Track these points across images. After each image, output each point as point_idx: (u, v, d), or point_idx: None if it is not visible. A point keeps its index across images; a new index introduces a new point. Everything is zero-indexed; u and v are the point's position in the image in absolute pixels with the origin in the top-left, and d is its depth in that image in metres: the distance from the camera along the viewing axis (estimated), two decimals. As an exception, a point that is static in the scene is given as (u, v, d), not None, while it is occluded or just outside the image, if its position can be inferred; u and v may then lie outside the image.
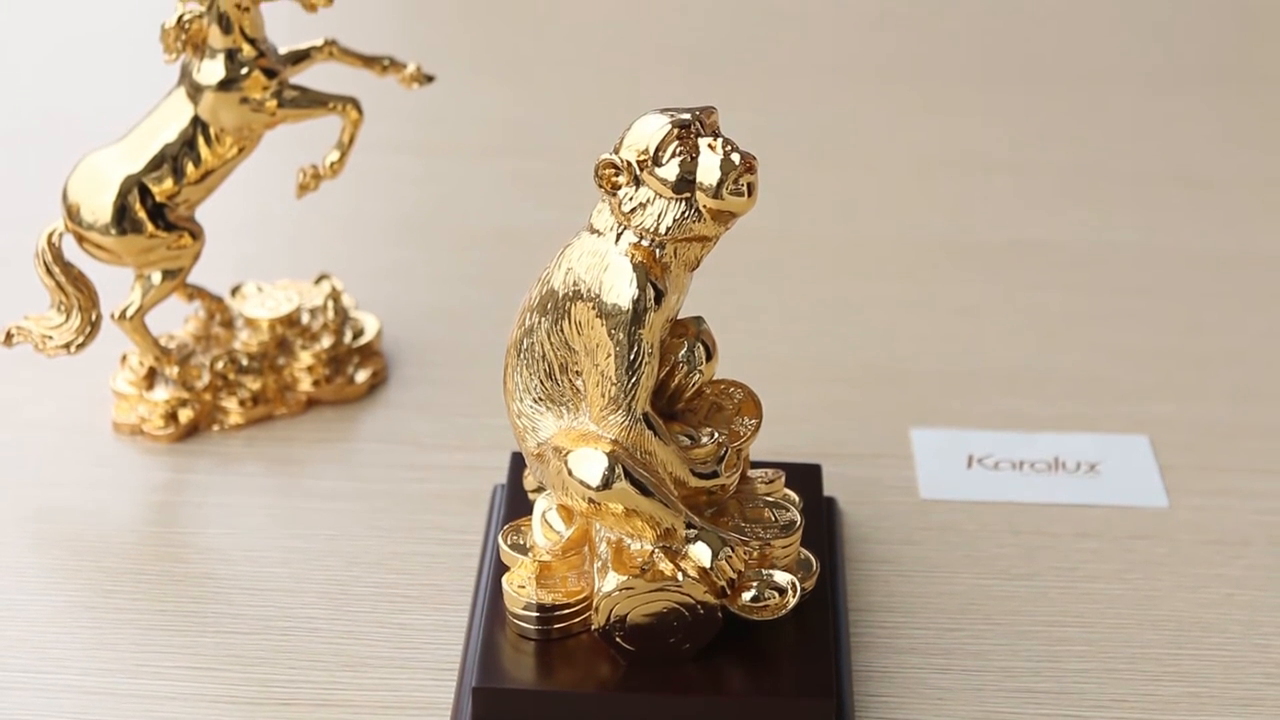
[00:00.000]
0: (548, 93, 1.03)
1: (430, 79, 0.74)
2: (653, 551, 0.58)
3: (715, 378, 0.61)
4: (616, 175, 0.56)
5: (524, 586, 0.60)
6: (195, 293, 0.76)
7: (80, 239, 0.72)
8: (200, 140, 0.71)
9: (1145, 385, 0.78)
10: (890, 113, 1.02)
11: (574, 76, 1.06)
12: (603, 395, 0.58)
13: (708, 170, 0.56)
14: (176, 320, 0.77)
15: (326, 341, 0.76)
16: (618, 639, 0.59)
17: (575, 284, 0.57)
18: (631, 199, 0.57)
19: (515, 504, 0.64)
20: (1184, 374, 0.78)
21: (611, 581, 0.58)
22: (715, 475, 0.59)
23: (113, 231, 0.71)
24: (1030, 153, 0.97)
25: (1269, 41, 1.14)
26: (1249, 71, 1.08)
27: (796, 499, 0.62)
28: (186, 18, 0.70)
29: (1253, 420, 0.75)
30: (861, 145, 0.98)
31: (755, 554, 0.59)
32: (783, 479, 0.62)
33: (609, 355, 0.57)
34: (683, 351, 0.60)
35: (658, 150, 0.56)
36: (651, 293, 0.57)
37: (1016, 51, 1.10)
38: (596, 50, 1.09)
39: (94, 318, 0.72)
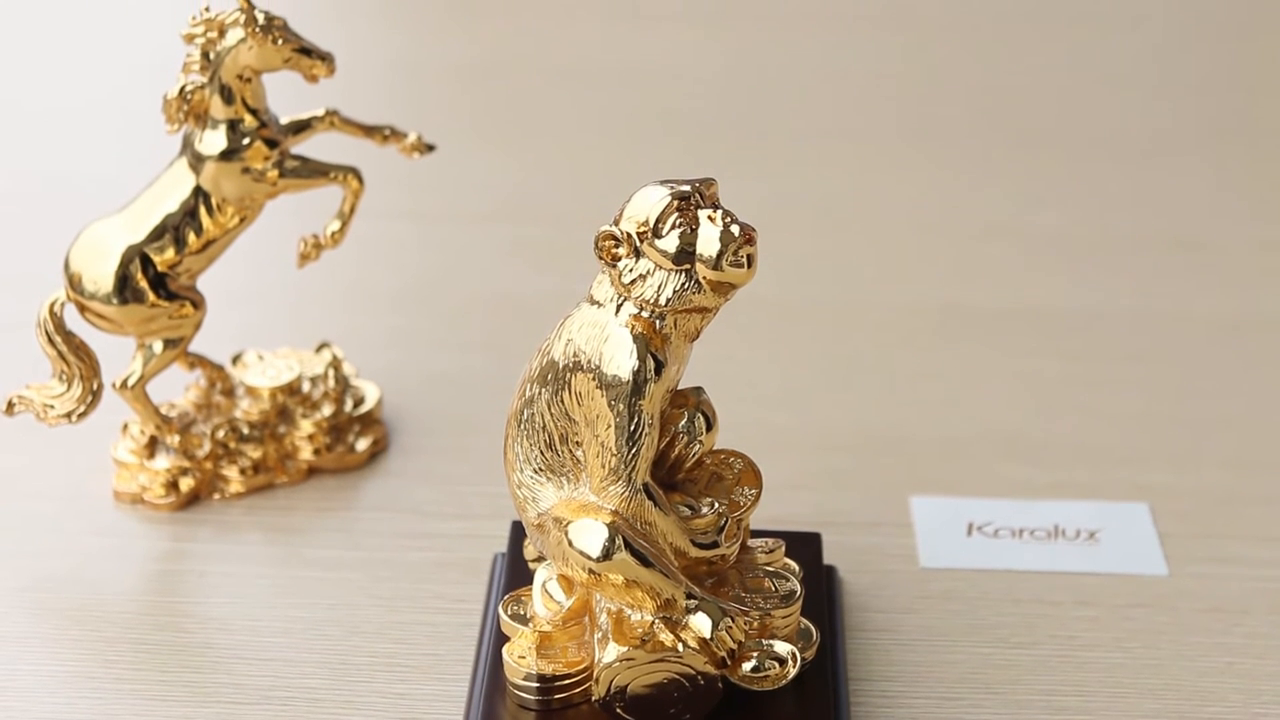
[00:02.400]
0: (547, 160, 1.04)
1: (431, 148, 0.75)
2: (653, 622, 0.58)
3: (715, 447, 0.62)
4: (616, 247, 0.57)
5: (524, 657, 0.60)
6: (196, 361, 0.77)
7: (82, 308, 0.72)
8: (202, 210, 0.71)
9: (1144, 451, 0.78)
10: (888, 178, 1.03)
11: (574, 143, 1.06)
12: (603, 466, 0.58)
13: (707, 242, 0.56)
14: (177, 389, 0.78)
15: (327, 410, 0.76)
16: (618, 710, 0.59)
17: (575, 355, 0.58)
18: (631, 270, 0.57)
19: (515, 573, 0.65)
20: (1183, 440, 0.79)
21: (612, 652, 0.58)
22: (715, 545, 0.60)
23: (114, 301, 0.71)
24: (1028, 217, 0.98)
25: (1266, 105, 1.15)
26: (1247, 135, 1.09)
27: (796, 568, 0.63)
28: (188, 89, 0.70)
29: (1252, 487, 0.76)
30: (860, 211, 0.99)
31: (755, 624, 0.60)
32: (783, 549, 0.63)
33: (609, 426, 0.58)
34: (683, 422, 0.60)
35: (657, 222, 0.57)
36: (652, 364, 0.57)
37: (1015, 116, 1.11)
38: (596, 117, 1.10)
39: (95, 387, 0.73)
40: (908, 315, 0.88)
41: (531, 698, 0.60)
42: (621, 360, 0.57)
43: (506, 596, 0.62)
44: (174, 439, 0.74)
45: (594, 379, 0.58)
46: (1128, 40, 1.23)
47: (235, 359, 0.79)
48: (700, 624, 0.58)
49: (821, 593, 0.65)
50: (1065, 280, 0.91)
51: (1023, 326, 0.87)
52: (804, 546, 0.66)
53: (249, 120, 0.71)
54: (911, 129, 1.09)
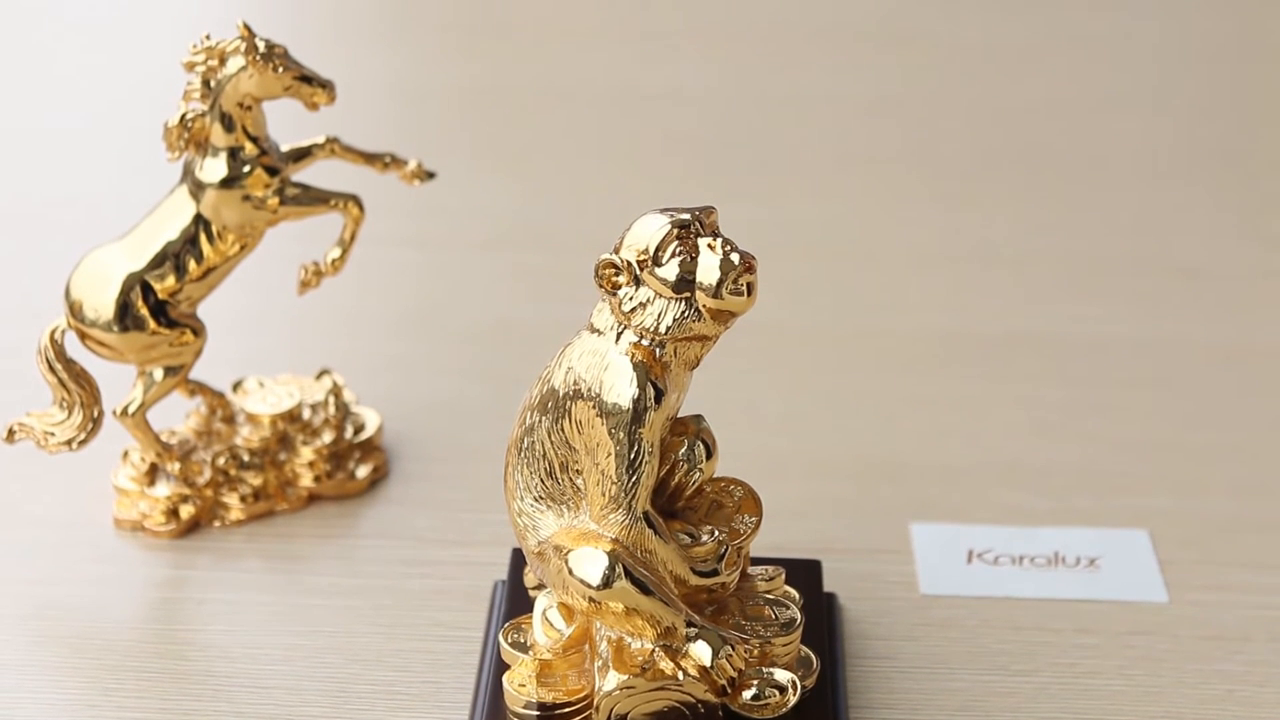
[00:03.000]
0: (548, 186, 1.05)
1: (431, 175, 0.75)
2: (653, 650, 0.59)
3: (715, 475, 0.62)
4: (616, 275, 0.57)
5: (525, 685, 0.60)
6: (197, 388, 0.77)
7: (83, 336, 0.72)
8: (202, 237, 0.72)
9: (1145, 478, 0.78)
10: (889, 203, 1.03)
11: (574, 169, 1.07)
12: (603, 494, 0.58)
13: (707, 270, 0.57)
14: (178, 416, 0.78)
15: (328, 437, 0.76)
16: (619, 738, 0.59)
17: (575, 383, 0.58)
18: (631, 299, 0.57)
19: (516, 601, 0.65)
20: (1184, 467, 0.79)
21: (612, 680, 0.59)
22: (715, 573, 0.60)
23: (115, 329, 0.72)
24: (1029, 244, 0.98)
25: (1268, 130, 1.15)
26: (1249, 162, 1.10)
27: (797, 596, 0.63)
28: (189, 116, 0.71)
29: (1252, 514, 0.76)
30: (860, 237, 0.99)
31: (755, 652, 0.60)
32: (783, 576, 0.63)
33: (609, 454, 0.58)
34: (683, 450, 0.60)
35: (657, 250, 0.57)
36: (652, 392, 0.58)
37: (1015, 141, 1.11)
38: (597, 142, 1.11)
39: (96, 414, 0.73)
40: (908, 341, 0.89)
41: (532, 726, 0.60)
42: (622, 388, 0.57)
43: (507, 624, 0.63)
44: (174, 466, 0.74)
45: (594, 407, 0.58)
46: (1128, 64, 1.23)
47: (236, 386, 0.79)
48: (700, 652, 0.58)
49: (822, 620, 0.65)
50: (1066, 306, 0.92)
51: (1023, 353, 0.88)
52: (804, 574, 0.66)
53: (250, 148, 0.71)
54: (912, 154, 1.10)
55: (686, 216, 0.57)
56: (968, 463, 0.79)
